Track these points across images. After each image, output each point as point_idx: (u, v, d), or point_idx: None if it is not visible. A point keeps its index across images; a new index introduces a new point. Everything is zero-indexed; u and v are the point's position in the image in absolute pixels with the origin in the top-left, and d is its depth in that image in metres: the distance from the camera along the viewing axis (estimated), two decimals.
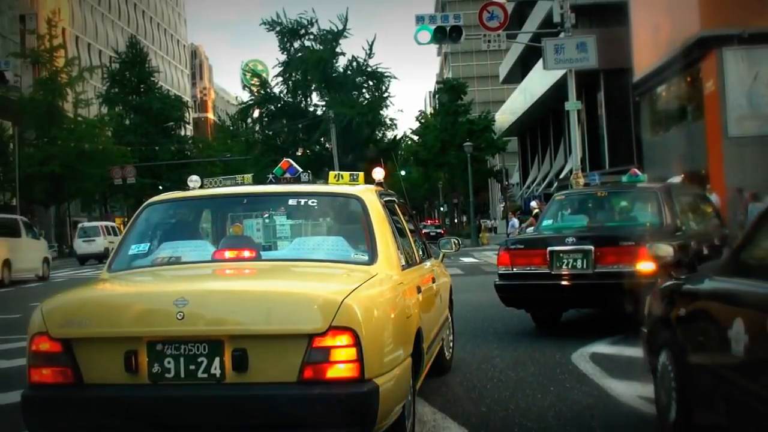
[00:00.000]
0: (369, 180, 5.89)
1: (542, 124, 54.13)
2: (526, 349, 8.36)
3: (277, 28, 52.19)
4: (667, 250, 8.02)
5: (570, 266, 8.75)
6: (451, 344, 7.35)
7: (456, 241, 7.37)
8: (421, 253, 6.36)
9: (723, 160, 25.00)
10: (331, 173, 5.63)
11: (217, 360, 3.81)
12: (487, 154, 59.28)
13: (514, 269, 9.16)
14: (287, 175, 5.64)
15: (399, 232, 5.54)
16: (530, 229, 26.85)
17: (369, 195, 5.22)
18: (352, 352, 3.76)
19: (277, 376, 3.80)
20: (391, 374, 4.01)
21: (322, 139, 51.88)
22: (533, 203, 29.52)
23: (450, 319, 7.28)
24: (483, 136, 55.98)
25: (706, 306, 4.33)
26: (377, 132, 54.48)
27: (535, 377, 6.92)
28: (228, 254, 4.94)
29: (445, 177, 61.95)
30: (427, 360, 5.44)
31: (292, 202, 5.41)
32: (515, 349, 8.39)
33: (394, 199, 6.09)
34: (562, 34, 22.34)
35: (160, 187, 57.23)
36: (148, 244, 5.25)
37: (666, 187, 10.15)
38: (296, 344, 3.78)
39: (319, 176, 6.19)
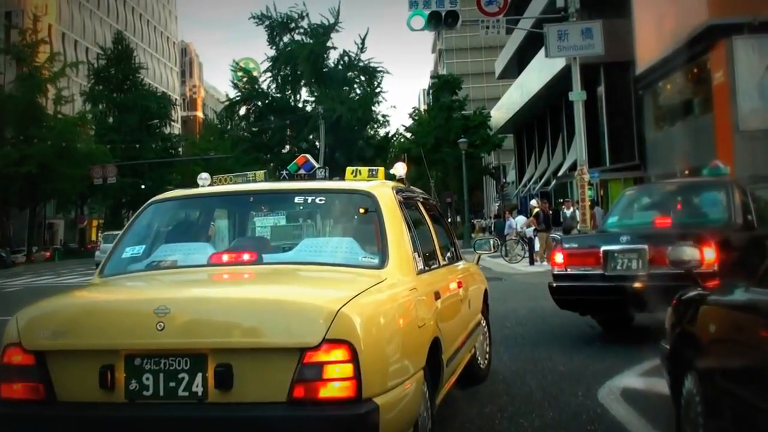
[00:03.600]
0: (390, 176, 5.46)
1: (539, 121, 52.87)
2: (540, 382, 6.77)
3: (267, 22, 51.24)
4: (692, 253, 6.74)
5: (624, 267, 8.23)
6: (487, 352, 6.98)
7: (495, 242, 7.24)
8: (449, 255, 5.99)
9: (734, 155, 23.58)
10: (348, 169, 5.27)
11: (199, 376, 3.49)
12: (483, 151, 58.16)
13: (568, 270, 8.71)
14: (302, 172, 5.41)
15: (420, 233, 5.14)
16: (529, 230, 25.79)
17: (383, 191, 4.81)
18: (348, 369, 3.40)
19: (264, 395, 3.45)
20: (395, 392, 3.63)
21: (311, 136, 50.82)
22: (533, 202, 28.19)
23: (485, 326, 6.90)
24: (478, 132, 54.93)
25: (745, 322, 3.53)
26: (369, 129, 53.55)
27: (555, 428, 5.43)
28: (226, 257, 4.61)
29: (438, 175, 60.82)
30: (448, 373, 4.95)
31: (299, 200, 5.08)
32: (525, 383, 6.79)
33: (416, 195, 5.67)
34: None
35: (143, 187, 56.16)
36: (144, 246, 4.90)
37: (739, 181, 9.32)
38: (286, 359, 3.43)
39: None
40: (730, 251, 7.75)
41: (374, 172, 5.20)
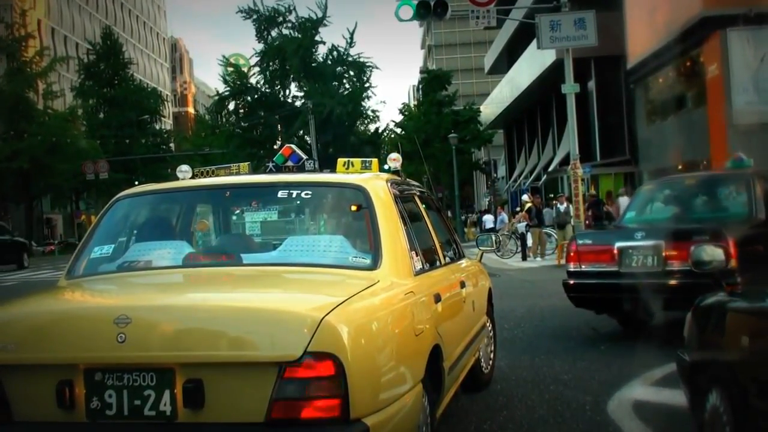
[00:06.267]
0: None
1: (529, 116, 52.68)
2: (542, 394, 6.20)
3: (254, 16, 51.01)
4: (714, 254, 6.36)
5: (640, 264, 8.01)
6: (491, 355, 6.62)
7: (496, 239, 6.86)
8: (450, 253, 5.68)
9: (728, 150, 23.32)
10: (340, 160, 4.93)
11: (166, 393, 3.17)
12: (473, 146, 57.93)
13: (583, 267, 8.54)
14: (289, 163, 5.09)
15: (418, 229, 4.80)
16: (521, 225, 25.53)
17: (375, 184, 4.43)
18: (333, 385, 3.06)
19: (240, 414, 3.13)
20: (389, 410, 3.30)
21: (301, 131, 50.55)
22: (525, 197, 27.94)
23: (490, 327, 6.58)
24: (468, 127, 54.72)
25: None
26: (359, 124, 53.35)
27: None
28: (202, 257, 4.38)
29: (429, 170, 60.68)
30: (450, 381, 4.60)
31: (282, 194, 4.62)
32: (526, 394, 6.23)
33: (413, 189, 5.28)
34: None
35: (136, 183, 55.82)
36: (114, 245, 4.57)
37: (761, 172, 8.96)
38: (263, 375, 3.09)
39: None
40: (752, 248, 7.47)
41: (368, 164, 4.86)
